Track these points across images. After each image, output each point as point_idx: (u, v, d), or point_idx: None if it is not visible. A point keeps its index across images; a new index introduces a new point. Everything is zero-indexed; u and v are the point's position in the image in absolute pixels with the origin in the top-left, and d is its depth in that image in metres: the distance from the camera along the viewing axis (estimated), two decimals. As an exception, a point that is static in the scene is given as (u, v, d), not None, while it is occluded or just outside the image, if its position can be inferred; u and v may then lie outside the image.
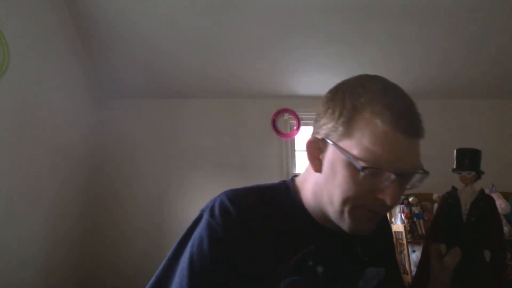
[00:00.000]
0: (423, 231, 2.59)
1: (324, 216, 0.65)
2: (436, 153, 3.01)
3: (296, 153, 3.10)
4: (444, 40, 2.64)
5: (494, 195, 2.68)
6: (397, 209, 2.69)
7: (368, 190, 0.58)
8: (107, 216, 2.86)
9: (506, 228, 2.62)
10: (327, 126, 0.61)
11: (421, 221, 2.62)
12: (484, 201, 0.73)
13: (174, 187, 2.94)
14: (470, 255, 0.66)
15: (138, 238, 2.82)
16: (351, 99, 0.60)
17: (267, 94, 3.10)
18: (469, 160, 0.81)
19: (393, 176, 0.56)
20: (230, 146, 3.02)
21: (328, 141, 0.61)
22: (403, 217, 2.63)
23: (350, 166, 0.57)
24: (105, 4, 2.38)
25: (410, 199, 2.71)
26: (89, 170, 2.85)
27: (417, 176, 0.60)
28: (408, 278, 2.60)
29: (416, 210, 2.67)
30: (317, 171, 0.64)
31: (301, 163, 3.09)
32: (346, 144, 0.58)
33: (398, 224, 2.64)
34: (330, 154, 0.61)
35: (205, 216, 0.63)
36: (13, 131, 1.98)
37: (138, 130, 3.04)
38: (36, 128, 2.18)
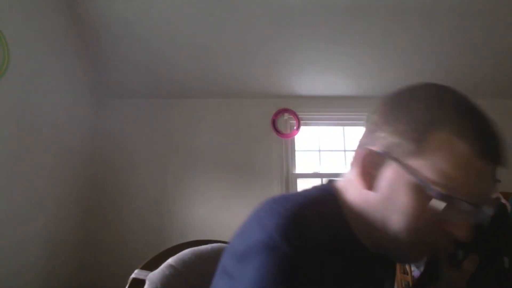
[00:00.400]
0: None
1: (365, 235, 0.56)
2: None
3: (296, 153, 3.10)
4: (446, 40, 2.65)
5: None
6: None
7: (436, 220, 0.49)
8: (107, 219, 2.86)
9: (506, 228, 2.63)
10: (389, 140, 0.52)
11: (421, 221, 2.62)
12: (500, 208, 0.72)
13: (173, 187, 2.93)
14: (491, 262, 0.64)
15: (137, 239, 2.81)
16: (424, 111, 0.50)
17: (267, 94, 3.10)
18: None
19: (472, 208, 0.47)
20: (230, 146, 3.02)
21: (391, 157, 0.51)
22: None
23: (418, 190, 0.48)
24: (105, 5, 2.37)
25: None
26: (89, 170, 2.85)
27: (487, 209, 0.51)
28: (408, 278, 2.60)
29: (416, 210, 2.67)
30: (369, 188, 0.54)
31: (301, 163, 3.09)
32: (415, 164, 0.49)
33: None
34: (391, 173, 0.52)
35: (277, 249, 0.46)
36: (12, 131, 1.98)
37: (137, 130, 3.04)
38: (36, 128, 2.17)
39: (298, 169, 3.05)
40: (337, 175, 3.09)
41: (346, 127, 3.22)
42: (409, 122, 0.51)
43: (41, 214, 2.24)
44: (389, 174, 0.52)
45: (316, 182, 3.01)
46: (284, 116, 3.10)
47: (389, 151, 0.52)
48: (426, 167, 0.48)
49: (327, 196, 0.59)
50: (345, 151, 3.17)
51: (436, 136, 0.49)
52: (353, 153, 0.58)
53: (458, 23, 2.53)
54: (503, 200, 2.63)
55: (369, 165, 0.54)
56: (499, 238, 0.61)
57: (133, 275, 0.67)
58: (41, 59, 2.21)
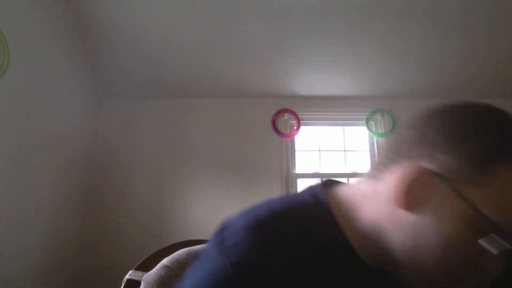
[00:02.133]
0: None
1: (375, 259, 0.51)
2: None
3: (296, 153, 3.10)
4: (445, 40, 2.65)
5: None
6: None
7: (479, 258, 0.45)
8: (109, 217, 2.86)
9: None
10: (448, 163, 0.46)
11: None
12: None
13: (174, 186, 2.94)
14: None
15: (138, 239, 2.82)
16: (498, 139, 0.45)
17: (267, 94, 3.10)
18: None
19: None
20: (230, 146, 3.02)
21: (449, 182, 0.45)
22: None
23: (471, 223, 0.43)
24: (105, 4, 2.38)
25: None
26: (90, 170, 2.85)
27: None
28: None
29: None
30: (407, 208, 0.48)
31: (301, 163, 3.09)
32: (474, 194, 0.44)
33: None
34: (441, 198, 0.46)
35: (216, 254, 0.47)
36: (13, 131, 1.98)
37: (138, 130, 3.05)
38: (36, 128, 2.18)
39: (298, 169, 3.05)
40: (337, 175, 3.06)
41: (346, 127, 3.21)
42: (475, 146, 0.45)
43: (42, 218, 2.24)
44: (438, 198, 0.46)
45: (316, 182, 3.01)
46: (284, 116, 3.10)
47: (447, 174, 0.45)
48: (485, 199, 0.43)
49: (317, 210, 0.54)
50: (345, 151, 3.16)
51: (505, 168, 0.43)
52: (386, 165, 0.51)
53: (461, 22, 2.52)
54: None
55: (417, 185, 0.47)
56: None
57: (127, 276, 0.67)
58: (41, 59, 2.21)
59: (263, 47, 2.70)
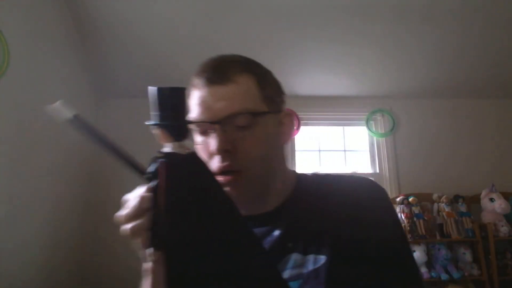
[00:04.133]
0: (423, 231, 2.60)
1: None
2: (436, 153, 3.02)
3: (296, 153, 3.10)
4: (445, 40, 2.65)
5: (494, 195, 2.68)
6: (397, 209, 2.69)
7: (207, 149, 0.65)
8: (107, 218, 2.85)
9: (506, 228, 2.61)
10: None
11: (421, 221, 2.62)
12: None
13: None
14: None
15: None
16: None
17: (267, 94, 3.09)
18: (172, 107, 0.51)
19: (197, 129, 0.66)
20: (230, 146, 3.01)
21: None
22: (403, 217, 2.63)
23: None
24: (105, 5, 2.38)
25: (410, 199, 2.71)
26: (89, 170, 2.85)
27: (239, 118, 0.63)
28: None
29: (416, 210, 2.66)
30: None
31: (301, 163, 3.09)
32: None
33: (398, 224, 2.64)
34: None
35: None
36: (12, 131, 1.98)
37: (138, 130, 3.03)
38: (36, 128, 2.17)
39: (298, 169, 3.05)
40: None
41: (346, 127, 3.21)
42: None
43: (41, 214, 2.24)
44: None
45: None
46: (284, 116, 3.09)
47: None
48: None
49: None
50: (345, 151, 3.17)
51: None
52: None
53: (460, 22, 2.53)
54: (498, 198, 2.61)
55: None
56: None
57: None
58: (41, 59, 2.21)
59: (263, 47, 2.69)
